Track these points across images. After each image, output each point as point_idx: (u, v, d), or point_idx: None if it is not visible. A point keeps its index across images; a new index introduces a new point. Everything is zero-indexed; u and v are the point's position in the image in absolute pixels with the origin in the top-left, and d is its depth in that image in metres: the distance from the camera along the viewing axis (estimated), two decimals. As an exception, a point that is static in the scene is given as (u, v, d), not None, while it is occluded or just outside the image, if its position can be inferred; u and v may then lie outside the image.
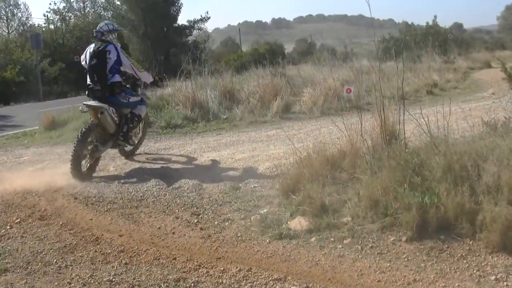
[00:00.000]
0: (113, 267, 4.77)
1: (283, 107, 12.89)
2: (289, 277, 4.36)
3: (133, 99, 8.28)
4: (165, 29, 46.77)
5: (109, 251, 5.14)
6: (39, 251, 5.20)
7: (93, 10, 55.62)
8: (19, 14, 54.23)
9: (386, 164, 5.59)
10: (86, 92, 8.09)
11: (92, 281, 4.49)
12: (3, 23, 54.06)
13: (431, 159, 5.38)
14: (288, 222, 5.39)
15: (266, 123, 11.88)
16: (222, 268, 4.61)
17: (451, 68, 23.23)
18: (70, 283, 4.48)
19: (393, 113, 6.58)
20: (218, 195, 6.57)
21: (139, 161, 8.86)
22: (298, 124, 11.51)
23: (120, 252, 5.11)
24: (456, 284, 4.03)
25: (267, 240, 5.11)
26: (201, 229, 5.56)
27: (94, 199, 6.74)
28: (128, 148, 8.90)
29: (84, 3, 55.30)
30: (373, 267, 4.42)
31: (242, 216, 5.79)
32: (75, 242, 5.40)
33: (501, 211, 4.45)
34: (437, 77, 19.18)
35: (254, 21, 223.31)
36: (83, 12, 54.42)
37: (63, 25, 45.07)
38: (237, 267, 4.60)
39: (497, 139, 5.54)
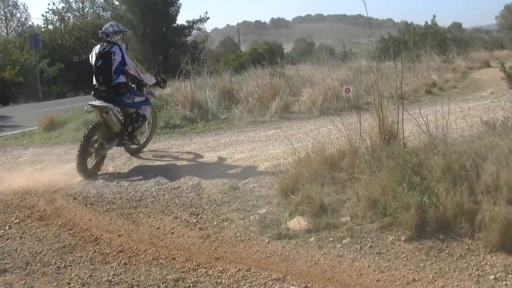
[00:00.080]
0: (112, 267, 4.78)
1: (282, 107, 12.88)
2: (288, 277, 4.36)
3: (138, 99, 8.39)
4: (164, 29, 46.72)
5: (108, 251, 5.15)
6: (38, 251, 5.20)
7: (92, 10, 55.67)
8: (18, 15, 54.26)
9: (385, 164, 5.60)
10: (92, 92, 8.23)
11: (91, 281, 4.50)
12: (2, 24, 54.08)
13: (430, 159, 5.38)
14: (287, 222, 5.39)
15: (265, 123, 11.88)
16: (221, 268, 4.61)
17: (450, 67, 23.21)
18: (69, 284, 4.49)
19: (392, 113, 6.58)
20: (217, 195, 6.57)
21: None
22: (297, 124, 11.50)
23: (119, 252, 5.11)
24: (455, 284, 4.04)
25: (266, 240, 5.11)
26: (200, 229, 5.56)
27: (93, 199, 6.74)
28: (134, 146, 8.98)
29: (83, 3, 55.33)
30: (372, 267, 4.42)
31: (241, 216, 5.79)
32: (74, 243, 5.40)
33: (500, 210, 4.45)
34: (436, 76, 19.16)
35: (253, 21, 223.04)
36: (82, 12, 54.42)
37: (62, 25, 44.98)
38: (236, 267, 4.60)
39: (496, 139, 5.55)
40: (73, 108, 14.91)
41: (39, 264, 4.90)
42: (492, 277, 4.08)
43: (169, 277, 4.50)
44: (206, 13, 66.11)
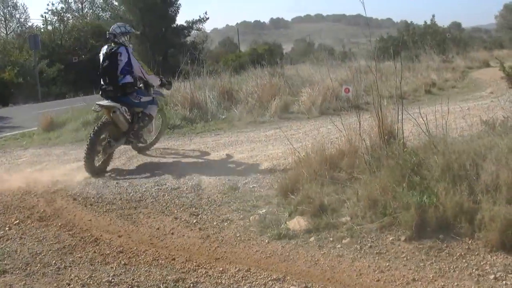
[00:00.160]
0: (112, 268, 4.78)
1: (282, 107, 12.88)
2: (288, 277, 4.36)
3: (144, 99, 8.55)
4: (163, 29, 46.69)
5: (108, 252, 5.15)
6: (38, 252, 5.20)
7: (91, 11, 55.65)
8: (17, 15, 54.23)
9: (384, 164, 5.60)
10: (100, 92, 8.37)
11: (91, 282, 4.50)
12: (2, 24, 54.05)
13: (429, 159, 5.38)
14: (287, 222, 5.39)
15: (264, 123, 11.88)
16: (221, 269, 4.61)
17: (450, 67, 23.20)
18: (69, 284, 4.49)
19: (392, 113, 6.58)
20: (216, 196, 6.56)
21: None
22: (296, 124, 11.50)
23: (119, 253, 5.11)
24: (455, 283, 4.04)
25: (266, 240, 5.11)
26: (200, 229, 5.56)
27: (93, 200, 6.74)
28: (142, 144, 9.13)
29: (82, 4, 55.31)
30: (372, 267, 4.42)
31: (241, 216, 5.79)
32: (74, 243, 5.40)
33: (500, 210, 4.46)
34: (436, 76, 19.16)
35: (252, 21, 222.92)
36: (81, 13, 54.40)
37: (61, 26, 44.95)
38: (236, 267, 4.60)
39: (495, 138, 5.55)
40: (73, 109, 14.92)
41: (39, 265, 4.90)
42: (492, 276, 4.08)
43: (169, 277, 4.50)
44: (206, 13, 66.06)
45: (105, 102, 8.14)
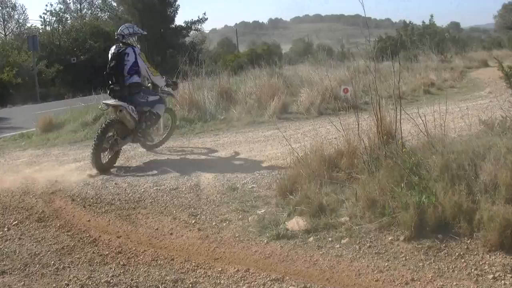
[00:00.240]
0: (111, 268, 4.77)
1: (280, 107, 12.87)
2: (287, 277, 4.36)
3: (151, 98, 8.73)
4: (162, 30, 46.60)
5: (107, 252, 5.14)
6: (36, 253, 5.20)
7: (90, 11, 55.58)
8: (16, 16, 54.10)
9: (383, 164, 5.61)
10: (108, 92, 8.55)
11: (90, 283, 4.50)
12: (0, 25, 53.94)
13: (428, 159, 5.39)
14: (286, 223, 5.39)
15: (263, 124, 11.87)
16: (220, 269, 4.61)
17: (448, 67, 23.20)
18: (68, 285, 4.49)
19: (390, 113, 6.58)
20: (215, 196, 6.56)
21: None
22: (295, 124, 11.50)
23: (118, 253, 5.11)
24: (454, 283, 4.04)
25: (265, 241, 5.11)
26: (199, 229, 5.56)
27: (91, 200, 6.74)
28: (150, 143, 9.29)
29: (80, 4, 55.24)
30: (371, 267, 4.42)
31: (240, 216, 5.79)
32: (72, 244, 5.40)
33: (499, 210, 4.46)
34: (434, 76, 19.16)
35: (251, 22, 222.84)
36: (80, 13, 54.33)
37: (60, 26, 44.94)
38: (235, 268, 4.60)
39: (494, 138, 5.56)
40: (71, 110, 14.93)
41: (37, 266, 4.90)
42: (491, 276, 4.08)
43: (168, 278, 4.50)
44: (205, 14, 65.97)
45: (112, 101, 8.33)
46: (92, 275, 4.63)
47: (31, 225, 6.02)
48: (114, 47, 8.64)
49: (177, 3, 48.06)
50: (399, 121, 6.19)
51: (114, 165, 8.38)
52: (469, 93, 16.29)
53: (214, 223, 5.69)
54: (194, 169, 7.86)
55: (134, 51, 8.41)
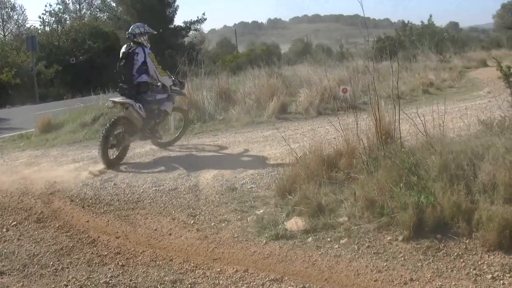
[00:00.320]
0: (109, 269, 4.78)
1: (279, 108, 12.86)
2: (286, 278, 4.36)
3: (159, 96, 8.94)
4: (161, 30, 46.56)
5: (106, 253, 5.15)
6: (35, 253, 5.20)
7: (89, 12, 55.55)
8: (15, 17, 54.04)
9: (382, 164, 5.61)
10: (118, 89, 8.80)
11: (89, 283, 4.50)
12: (-1, 26, 53.90)
13: (427, 159, 5.39)
14: (285, 223, 5.39)
15: (262, 124, 11.86)
16: (218, 269, 4.61)
17: (447, 67, 23.18)
18: (66, 286, 4.49)
19: (389, 113, 6.59)
20: (214, 196, 6.56)
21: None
22: (294, 125, 11.50)
23: (116, 254, 5.11)
24: (453, 283, 4.04)
25: (264, 241, 5.10)
26: (198, 230, 5.56)
27: (90, 201, 6.73)
28: (164, 140, 9.60)
29: (80, 5, 55.23)
30: (369, 267, 4.42)
31: (239, 217, 5.79)
32: (71, 245, 5.40)
33: (497, 209, 4.47)
34: (433, 76, 19.13)
35: (250, 22, 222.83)
36: (79, 14, 54.31)
37: (59, 27, 44.91)
38: (233, 268, 4.60)
39: (492, 138, 5.56)
40: (70, 110, 14.93)
41: (36, 266, 4.90)
42: (489, 276, 4.08)
43: (166, 278, 4.50)
44: (204, 14, 65.98)
45: (118, 99, 8.61)
46: (91, 276, 4.63)
47: (30, 226, 6.02)
48: (125, 46, 8.84)
49: (176, 3, 48.18)
50: (398, 121, 6.20)
51: (122, 161, 8.60)
52: (468, 93, 16.28)
53: (213, 224, 5.69)
54: (193, 169, 7.84)
55: (144, 51, 8.57)
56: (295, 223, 5.31)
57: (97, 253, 5.15)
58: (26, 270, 4.83)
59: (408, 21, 39.87)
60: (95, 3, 55.01)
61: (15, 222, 6.14)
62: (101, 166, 8.25)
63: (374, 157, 5.88)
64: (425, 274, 4.22)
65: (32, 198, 6.97)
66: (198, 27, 51.11)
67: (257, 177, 7.11)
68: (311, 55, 28.68)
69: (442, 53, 27.51)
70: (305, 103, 13.15)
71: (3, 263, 4.98)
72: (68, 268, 4.85)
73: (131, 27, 8.88)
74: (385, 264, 4.44)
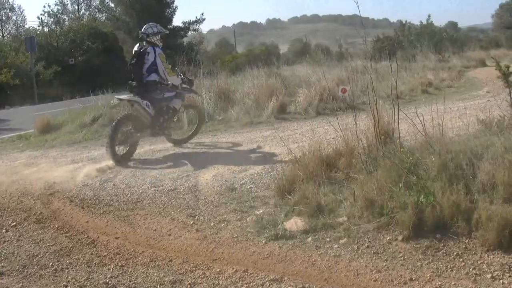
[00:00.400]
0: (109, 269, 4.78)
1: (278, 108, 12.85)
2: (286, 278, 4.36)
3: (167, 94, 9.13)
4: (159, 30, 46.62)
5: (105, 253, 5.14)
6: (35, 254, 5.20)
7: (87, 12, 55.49)
8: (14, 17, 53.97)
9: (381, 164, 5.61)
10: (127, 87, 9.07)
11: (88, 284, 4.50)
12: (-2, 26, 53.84)
13: (426, 158, 5.39)
14: (284, 223, 5.39)
15: (261, 124, 11.86)
16: (218, 270, 4.61)
17: (446, 67, 23.20)
18: (66, 286, 4.49)
19: (388, 113, 6.59)
20: (213, 196, 6.56)
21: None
22: (293, 125, 11.49)
23: (116, 254, 5.11)
24: (453, 283, 4.04)
25: (263, 241, 5.10)
26: (197, 230, 5.55)
27: (89, 201, 6.73)
28: (168, 135, 9.70)
29: (78, 5, 55.17)
30: (369, 267, 4.42)
31: (238, 217, 5.79)
32: (71, 245, 5.40)
33: (497, 209, 4.47)
34: (432, 76, 19.15)
35: (249, 22, 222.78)
36: (77, 14, 54.27)
37: (58, 27, 44.89)
38: (233, 268, 4.60)
39: (492, 138, 5.56)
40: (69, 111, 14.92)
41: (36, 267, 4.90)
42: (489, 276, 4.08)
43: (166, 279, 4.50)
44: (202, 14, 65.91)
45: (124, 96, 9.00)
46: (90, 276, 4.63)
47: (29, 227, 6.02)
48: (137, 45, 9.08)
49: (174, 4, 48.15)
50: (397, 121, 6.20)
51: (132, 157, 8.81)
52: (467, 92, 16.30)
53: (212, 224, 5.69)
54: (192, 169, 7.84)
55: (155, 51, 8.79)
56: (294, 223, 5.31)
57: (96, 254, 5.14)
58: (25, 270, 4.83)
59: (406, 21, 39.93)
60: (94, 3, 54.97)
61: (14, 223, 6.14)
62: (101, 165, 8.26)
63: (373, 157, 5.88)
64: (424, 273, 4.22)
65: (32, 199, 6.97)
66: (197, 27, 51.08)
67: (256, 177, 7.11)
68: (310, 55, 28.66)
69: (441, 53, 27.57)
70: (304, 103, 13.15)
71: (2, 264, 4.98)
72: (67, 268, 4.84)
73: (144, 27, 9.05)
74: (384, 264, 4.45)
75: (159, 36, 9.11)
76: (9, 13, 52.92)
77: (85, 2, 55.37)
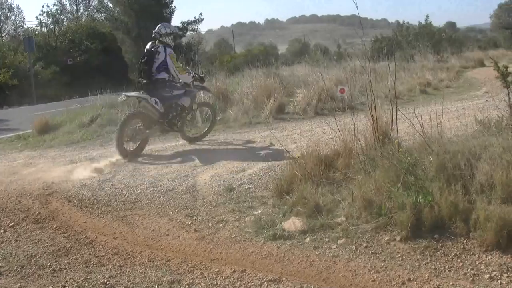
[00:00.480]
0: (107, 269, 4.77)
1: (277, 108, 12.85)
2: (284, 278, 4.36)
3: (176, 92, 9.35)
4: (158, 30, 46.59)
5: (103, 253, 5.14)
6: (33, 254, 5.19)
7: (86, 12, 55.41)
8: (13, 17, 53.90)
9: (379, 164, 5.61)
10: (136, 84, 9.41)
11: (86, 284, 4.49)
12: (-3, 26, 53.77)
13: (424, 159, 5.39)
14: (282, 223, 5.39)
15: (259, 124, 11.85)
16: (216, 270, 4.61)
17: (444, 67, 23.22)
18: (64, 286, 4.48)
19: (386, 113, 6.59)
20: (212, 197, 6.55)
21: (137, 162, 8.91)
22: (292, 125, 11.49)
23: (114, 254, 5.10)
24: (451, 283, 4.04)
25: (262, 241, 5.10)
26: (195, 230, 5.55)
27: (88, 202, 6.73)
28: (192, 134, 10.23)
29: (77, 5, 55.10)
30: (367, 267, 4.42)
31: (236, 217, 5.79)
32: (69, 245, 5.39)
33: (495, 209, 4.47)
34: (431, 76, 19.17)
35: (247, 22, 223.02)
36: (76, 14, 54.21)
37: (56, 28, 44.85)
38: (231, 269, 4.60)
39: (490, 138, 5.56)
40: (68, 111, 14.91)
41: (34, 267, 4.89)
42: (487, 276, 4.08)
43: (164, 279, 4.50)
44: (201, 14, 65.95)
45: (131, 93, 9.28)
46: (88, 277, 4.62)
47: (27, 227, 6.02)
48: (149, 43, 9.31)
49: (173, 4, 48.17)
50: (395, 121, 6.20)
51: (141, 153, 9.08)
52: (465, 93, 16.31)
53: (210, 224, 5.69)
54: (191, 170, 7.83)
55: (165, 51, 9.01)
56: (292, 224, 5.31)
57: (94, 254, 5.14)
58: (23, 271, 4.83)
59: (404, 21, 40.04)
60: (92, 3, 54.85)
61: (12, 223, 6.13)
62: (99, 165, 8.28)
63: (372, 157, 5.88)
64: (422, 274, 4.22)
65: (30, 199, 6.96)
66: (196, 27, 51.06)
67: (254, 177, 7.11)
68: (308, 55, 28.68)
69: (439, 53, 27.61)
70: (303, 104, 13.15)
71: (0, 264, 4.97)
72: (65, 269, 4.84)
73: (158, 27, 9.33)
74: (383, 264, 4.45)
75: (172, 36, 9.40)
76: (8, 13, 52.87)
77: (84, 2, 55.25)
